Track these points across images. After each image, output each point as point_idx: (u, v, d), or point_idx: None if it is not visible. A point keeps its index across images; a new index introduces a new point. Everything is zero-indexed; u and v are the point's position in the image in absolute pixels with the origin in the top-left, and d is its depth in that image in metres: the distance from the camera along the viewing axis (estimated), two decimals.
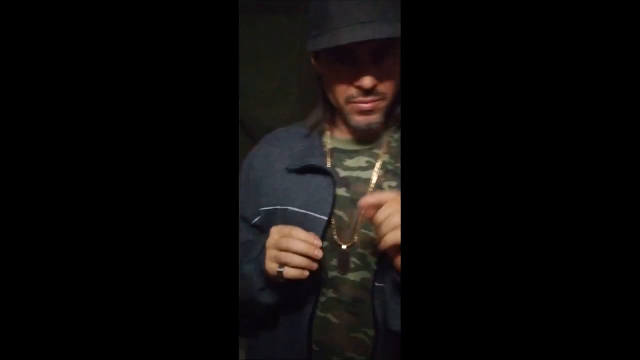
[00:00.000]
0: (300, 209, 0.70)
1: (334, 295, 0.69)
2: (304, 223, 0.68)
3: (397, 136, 0.73)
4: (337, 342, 0.69)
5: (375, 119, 0.68)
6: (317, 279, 0.68)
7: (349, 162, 0.73)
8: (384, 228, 0.57)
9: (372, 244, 0.68)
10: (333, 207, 0.69)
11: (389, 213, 0.57)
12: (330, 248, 0.70)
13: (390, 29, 0.61)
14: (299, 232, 0.62)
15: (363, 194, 0.68)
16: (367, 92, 0.65)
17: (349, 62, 0.65)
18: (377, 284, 0.67)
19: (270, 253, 0.64)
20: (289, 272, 0.62)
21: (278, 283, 0.65)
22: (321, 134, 0.76)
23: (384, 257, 0.65)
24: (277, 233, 0.64)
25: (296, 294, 0.69)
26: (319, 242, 0.62)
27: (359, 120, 0.68)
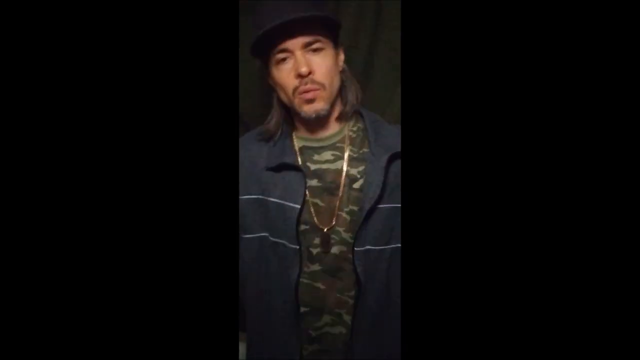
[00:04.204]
0: (278, 199, 0.83)
1: (319, 268, 0.84)
2: (282, 210, 0.82)
3: (354, 127, 0.87)
4: (325, 303, 0.84)
5: (320, 106, 0.80)
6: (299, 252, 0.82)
7: (317, 157, 0.86)
8: None
9: (346, 223, 0.82)
10: (304, 196, 0.82)
11: None
12: (312, 230, 0.83)
13: (309, 11, 0.75)
14: None
15: (333, 182, 0.83)
16: (305, 79, 0.78)
17: (288, 59, 0.79)
18: (356, 249, 0.81)
19: None
20: None
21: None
22: (289, 135, 0.88)
23: (358, 231, 0.80)
24: None
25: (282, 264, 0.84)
26: None
27: (306, 109, 0.80)
